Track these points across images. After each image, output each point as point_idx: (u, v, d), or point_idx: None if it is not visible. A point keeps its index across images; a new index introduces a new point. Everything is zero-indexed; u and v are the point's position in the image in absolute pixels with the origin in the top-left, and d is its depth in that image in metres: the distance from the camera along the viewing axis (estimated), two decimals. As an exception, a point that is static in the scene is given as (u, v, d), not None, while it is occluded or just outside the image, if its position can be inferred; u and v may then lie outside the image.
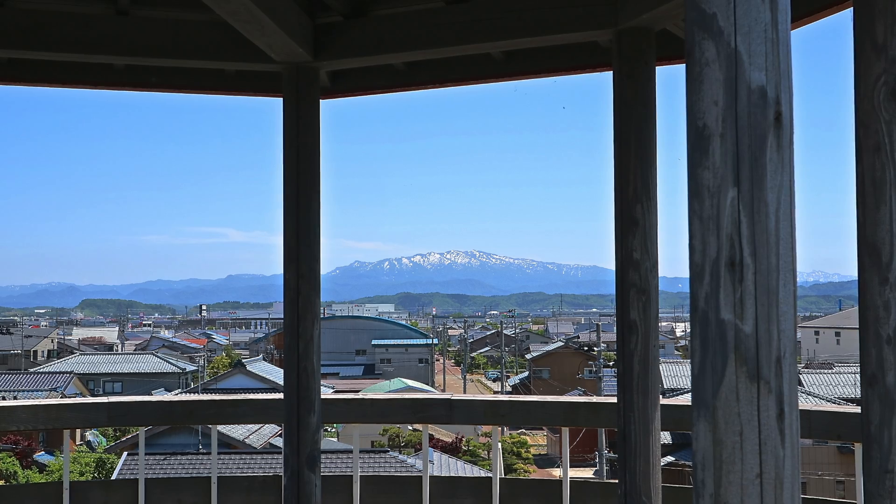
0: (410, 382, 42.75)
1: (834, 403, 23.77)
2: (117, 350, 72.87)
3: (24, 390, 36.28)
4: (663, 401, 3.74)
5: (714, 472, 1.35)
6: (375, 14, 3.92)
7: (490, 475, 4.37)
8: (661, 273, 3.53)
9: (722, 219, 1.37)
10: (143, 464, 4.62)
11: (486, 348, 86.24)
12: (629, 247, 3.46)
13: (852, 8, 2.35)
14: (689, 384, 1.48)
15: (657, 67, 3.56)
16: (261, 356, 55.94)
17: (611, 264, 3.62)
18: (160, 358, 54.04)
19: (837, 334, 66.50)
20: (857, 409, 2.84)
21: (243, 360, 45.78)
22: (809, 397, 27.48)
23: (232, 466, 19.47)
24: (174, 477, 13.27)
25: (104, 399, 4.57)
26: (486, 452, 31.63)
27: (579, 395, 31.35)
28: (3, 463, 25.40)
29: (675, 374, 39.18)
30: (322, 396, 4.09)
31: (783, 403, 1.36)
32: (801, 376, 35.00)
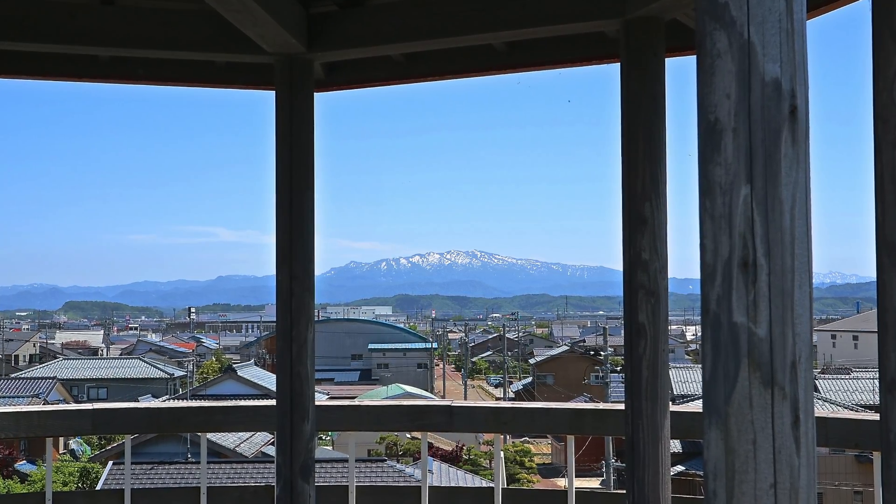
0: (409, 388, 42.74)
1: (852, 410, 23.77)
2: (102, 354, 72.88)
3: (4, 396, 36.29)
4: (673, 407, 3.74)
5: (726, 482, 1.35)
6: (372, 3, 3.92)
7: (492, 485, 4.37)
8: (670, 274, 3.53)
9: (734, 217, 1.37)
10: (130, 473, 4.62)
11: (488, 352, 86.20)
12: (637, 246, 3.46)
13: (871, -3, 2.35)
14: (700, 390, 1.48)
15: (667, 59, 3.55)
16: (252, 361, 55.96)
17: (618, 265, 3.62)
18: (147, 363, 54.04)
19: (855, 338, 66.53)
20: (876, 417, 2.84)
21: (234, 365, 45.79)
22: (826, 404, 27.48)
23: (222, 476, 19.47)
24: (162, 487, 13.27)
25: (88, 406, 4.57)
26: (487, 461, 31.63)
27: (585, 401, 31.36)
28: (-17, 472, 25.40)
29: (686, 379, 39.18)
30: (316, 403, 4.09)
31: (798, 410, 1.35)
32: (817, 382, 35.00)
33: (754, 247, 1.36)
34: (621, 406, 3.72)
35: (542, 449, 43.79)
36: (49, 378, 42.36)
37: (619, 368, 41.77)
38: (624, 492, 3.64)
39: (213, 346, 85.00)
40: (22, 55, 4.19)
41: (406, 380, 54.54)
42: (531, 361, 63.60)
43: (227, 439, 25.76)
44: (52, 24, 3.85)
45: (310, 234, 4.02)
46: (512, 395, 53.31)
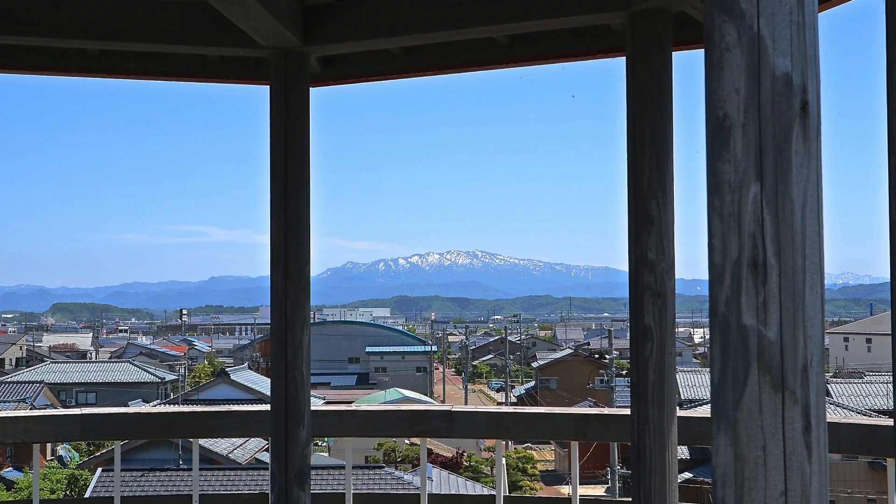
0: (407, 393, 42.75)
1: (865, 415, 23.78)
2: (91, 357, 72.87)
3: (-10, 401, 36.27)
4: (680, 413, 3.74)
5: (735, 489, 1.35)
6: (370, -5, 3.92)
7: (493, 493, 4.38)
8: (678, 275, 3.53)
9: (744, 216, 1.37)
10: (119, 481, 4.62)
11: (490, 356, 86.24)
12: (644, 246, 3.46)
13: (884, -12, 2.35)
14: (709, 395, 1.48)
15: (674, 53, 3.55)
16: (246, 364, 55.92)
17: (624, 265, 3.62)
18: (137, 366, 54.08)
19: (868, 341, 66.54)
20: (890, 422, 2.85)
21: (227, 369, 45.79)
22: (838, 409, 27.49)
23: (215, 483, 19.48)
24: (153, 495, 13.29)
25: (77, 411, 4.57)
26: (489, 468, 31.64)
27: (590, 406, 31.37)
28: (-32, 480, 25.40)
29: (694, 383, 39.19)
30: (312, 408, 4.09)
31: (810, 415, 1.35)
32: (829, 386, 35.01)
33: (764, 247, 1.36)
34: (627, 411, 3.72)
35: (545, 455, 43.82)
36: (36, 382, 42.36)
37: (624, 372, 41.75)
38: (629, 499, 3.64)
39: (205, 349, 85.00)
40: (6, 48, 4.19)
41: (405, 384, 54.54)
42: (534, 365, 63.61)
43: (219, 445, 25.76)
44: (38, 16, 3.85)
45: (305, 234, 4.02)
46: (514, 399, 53.32)
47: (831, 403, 29.18)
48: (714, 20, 1.40)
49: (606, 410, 4.76)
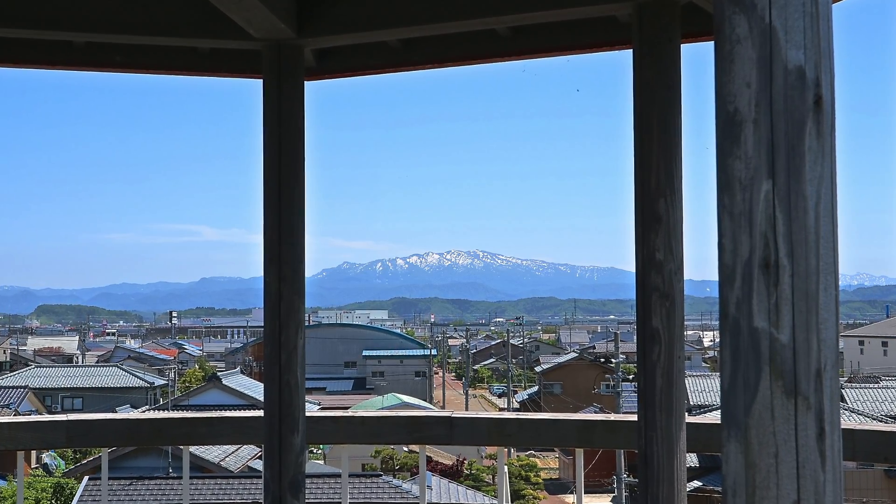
0: (406, 398, 42.80)
1: (881, 421, 23.78)
2: (77, 362, 72.90)
3: (-28, 407, 36.27)
4: (689, 419, 3.74)
5: (746, 498, 1.35)
6: (367, -15, 3.92)
7: (495, 502, 4.38)
8: (687, 276, 3.53)
9: (755, 215, 1.37)
10: (107, 489, 4.62)
11: (491, 360, 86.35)
12: (651, 246, 3.45)
13: (901, -22, 2.34)
14: (719, 400, 1.48)
15: (683, 45, 3.55)
16: (238, 369, 56.02)
17: (630, 266, 3.62)
18: (125, 371, 54.15)
19: (884, 344, 66.62)
20: (907, 429, 2.85)
21: (218, 373, 45.84)
22: (853, 415, 27.50)
23: (206, 492, 19.47)
24: (141, 504, 13.31)
25: (63, 417, 4.57)
26: (490, 477, 31.66)
27: (595, 412, 31.38)
28: (-50, 488, 25.40)
29: (703, 388, 39.26)
30: (307, 414, 4.09)
31: (824, 422, 1.35)
32: (843, 391, 35.04)
33: (776, 246, 1.36)
34: (634, 417, 3.72)
35: (548, 463, 43.86)
36: (20, 387, 42.38)
37: (631, 377, 41.81)
38: (636, 509, 3.64)
39: (196, 352, 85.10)
40: (-9, 41, 4.19)
41: (403, 389, 54.59)
42: (537, 369, 63.69)
43: (211, 453, 25.78)
44: (22, 6, 3.85)
45: (300, 233, 4.02)
46: (516, 405, 53.37)
47: (846, 409, 29.22)
48: (724, 11, 1.40)
49: (612, 416, 4.76)
